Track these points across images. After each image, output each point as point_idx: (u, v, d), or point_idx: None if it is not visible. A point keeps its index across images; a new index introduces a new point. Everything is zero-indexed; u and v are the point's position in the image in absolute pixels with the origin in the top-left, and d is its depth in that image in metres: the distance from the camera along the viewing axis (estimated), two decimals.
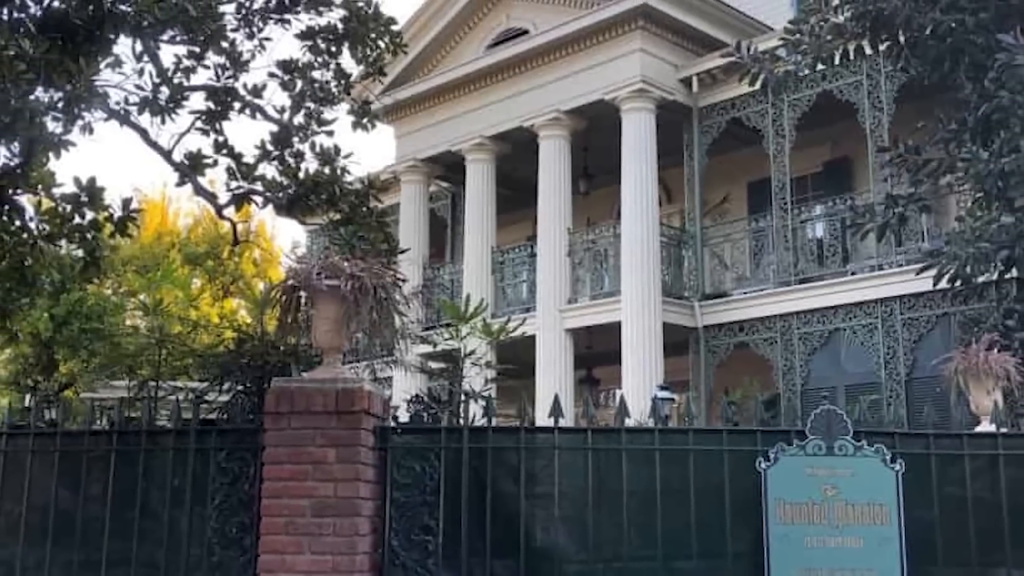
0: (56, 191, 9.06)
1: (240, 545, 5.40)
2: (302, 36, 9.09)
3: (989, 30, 9.75)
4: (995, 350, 6.64)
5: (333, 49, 9.13)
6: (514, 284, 18.93)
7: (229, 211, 9.09)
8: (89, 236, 9.01)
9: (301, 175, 8.82)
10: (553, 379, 16.44)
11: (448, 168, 20.17)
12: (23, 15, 7.67)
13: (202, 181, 8.92)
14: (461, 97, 19.29)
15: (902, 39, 10.75)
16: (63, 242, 9.43)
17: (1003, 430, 5.71)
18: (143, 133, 8.49)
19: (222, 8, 8.50)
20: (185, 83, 8.59)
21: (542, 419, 5.77)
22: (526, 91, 18.26)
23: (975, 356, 6.49)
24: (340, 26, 9.05)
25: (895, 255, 14.75)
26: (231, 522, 5.45)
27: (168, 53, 8.58)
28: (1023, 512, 5.43)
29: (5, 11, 7.49)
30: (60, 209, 8.92)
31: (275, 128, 8.89)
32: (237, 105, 8.84)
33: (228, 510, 5.47)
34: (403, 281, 5.74)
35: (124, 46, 8.30)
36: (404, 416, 5.69)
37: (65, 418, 6.04)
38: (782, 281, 16.05)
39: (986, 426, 6.00)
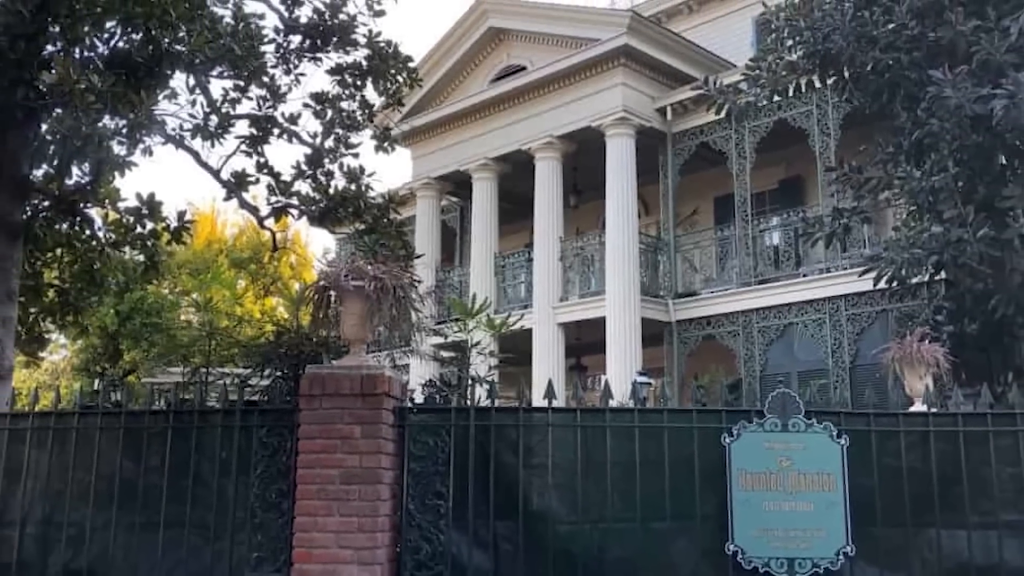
0: (121, 205, 9.11)
1: (279, 508, 5.41)
2: (332, 72, 9.11)
3: (921, 67, 9.75)
4: (926, 341, 6.65)
5: (358, 83, 9.15)
6: (514, 285, 18.90)
7: (269, 222, 9.11)
8: (149, 243, 9.06)
9: (331, 191, 8.83)
10: (547, 366, 16.43)
11: (457, 185, 20.16)
12: (92, 54, 7.68)
13: (246, 196, 8.94)
14: (468, 124, 19.28)
15: (847, 75, 10.75)
16: (127, 248, 9.46)
17: (933, 410, 5.71)
18: (195, 155, 8.51)
19: (263, 48, 8.53)
20: (231, 112, 8.61)
21: (538, 400, 5.76)
22: (524, 119, 18.25)
23: (909, 346, 6.50)
24: (364, 63, 9.07)
25: (841, 260, 14.72)
26: (271, 489, 5.46)
27: (217, 86, 8.65)
28: (950, 480, 5.42)
29: (77, 50, 7.50)
30: (124, 220, 8.97)
31: (309, 151, 8.91)
32: (276, 131, 8.86)
33: (268, 479, 5.48)
34: (418, 282, 5.76)
35: (179, 80, 8.31)
36: (419, 398, 5.70)
37: (128, 400, 6.04)
38: (744, 282, 16.03)
39: (919, 406, 6.01)
